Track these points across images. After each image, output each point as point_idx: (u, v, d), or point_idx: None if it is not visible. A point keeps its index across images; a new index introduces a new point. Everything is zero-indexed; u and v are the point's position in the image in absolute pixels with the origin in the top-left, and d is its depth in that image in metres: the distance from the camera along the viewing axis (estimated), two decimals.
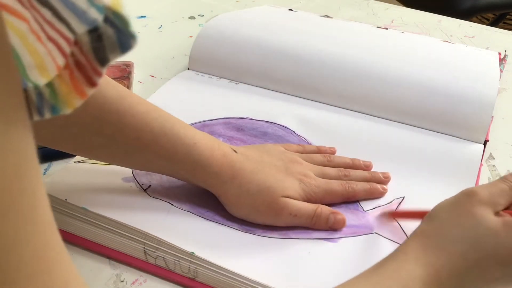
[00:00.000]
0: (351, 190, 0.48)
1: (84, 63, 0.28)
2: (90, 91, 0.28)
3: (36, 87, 0.28)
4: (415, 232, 0.38)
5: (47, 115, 0.29)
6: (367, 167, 0.52)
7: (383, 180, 0.50)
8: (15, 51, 0.25)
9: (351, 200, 0.49)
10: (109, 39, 0.26)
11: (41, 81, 0.27)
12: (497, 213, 0.37)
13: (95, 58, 0.27)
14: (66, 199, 0.45)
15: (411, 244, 0.37)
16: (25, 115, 0.22)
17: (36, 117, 0.29)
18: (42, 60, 0.27)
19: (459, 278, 0.36)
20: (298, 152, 0.51)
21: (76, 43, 0.27)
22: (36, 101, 0.29)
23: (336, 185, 0.48)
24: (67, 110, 0.28)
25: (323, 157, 0.51)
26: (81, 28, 0.25)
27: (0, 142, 0.20)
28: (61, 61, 0.27)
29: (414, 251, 0.37)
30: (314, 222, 0.45)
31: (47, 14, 0.25)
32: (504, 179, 0.39)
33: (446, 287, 0.36)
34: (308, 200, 0.47)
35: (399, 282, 0.35)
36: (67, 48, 0.27)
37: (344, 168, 0.51)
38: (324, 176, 0.49)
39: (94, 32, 0.26)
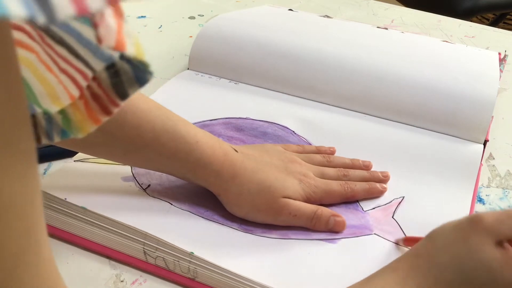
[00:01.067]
0: (350, 190, 0.48)
1: (101, 95, 0.28)
2: (105, 118, 0.29)
3: (46, 113, 0.28)
4: (409, 251, 0.38)
5: (57, 139, 0.29)
6: (366, 167, 0.52)
7: (382, 179, 0.50)
8: (23, 79, 0.25)
9: (350, 200, 0.49)
10: (126, 74, 0.27)
11: (53, 108, 0.27)
12: (500, 244, 0.33)
13: (115, 92, 0.28)
14: (65, 198, 0.45)
15: (401, 262, 0.37)
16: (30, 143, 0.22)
17: (45, 141, 0.29)
18: (53, 89, 0.27)
19: None
20: (298, 152, 0.51)
21: (94, 78, 0.27)
22: (45, 126, 0.29)
23: (335, 185, 0.48)
24: (80, 135, 0.29)
25: (323, 157, 0.51)
26: (98, 66, 0.26)
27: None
28: (75, 92, 0.27)
29: (403, 271, 0.36)
30: (314, 223, 0.45)
31: (63, 51, 0.26)
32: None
33: None
34: (308, 200, 0.47)
35: None
36: (82, 82, 0.27)
37: (343, 168, 0.51)
38: (323, 177, 0.49)
39: (112, 68, 0.27)
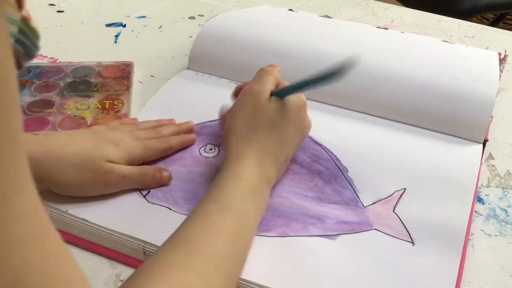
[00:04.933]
0: (166, 143, 0.52)
1: None
2: None
3: None
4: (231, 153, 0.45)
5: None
6: (171, 123, 0.56)
7: (189, 128, 0.56)
8: None
9: (169, 153, 0.52)
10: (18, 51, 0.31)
11: None
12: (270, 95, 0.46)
13: None
14: (67, 210, 0.46)
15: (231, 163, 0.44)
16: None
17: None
18: None
19: (266, 152, 0.45)
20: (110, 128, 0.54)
21: None
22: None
23: (152, 142, 0.51)
24: None
25: (130, 125, 0.54)
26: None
27: None
28: None
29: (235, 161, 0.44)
30: (142, 180, 0.48)
31: None
32: (265, 71, 0.49)
33: (267, 163, 0.45)
34: (130, 161, 0.49)
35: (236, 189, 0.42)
36: None
37: (152, 129, 0.54)
38: (138, 139, 0.51)
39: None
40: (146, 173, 0.49)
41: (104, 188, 0.47)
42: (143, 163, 0.51)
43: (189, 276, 0.35)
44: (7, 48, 0.22)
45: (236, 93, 0.53)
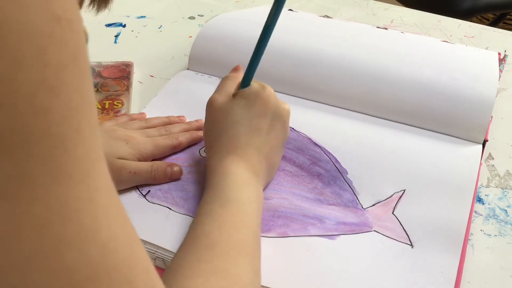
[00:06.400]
0: (176, 140, 0.53)
1: None
2: None
3: None
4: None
5: None
6: (181, 120, 0.57)
7: (199, 126, 0.56)
8: None
9: (178, 149, 0.53)
10: None
11: None
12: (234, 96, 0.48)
13: None
14: None
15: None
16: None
17: None
18: None
19: (251, 145, 0.46)
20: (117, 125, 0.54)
21: None
22: None
23: (161, 139, 0.52)
24: None
25: (140, 122, 0.55)
26: None
27: None
28: None
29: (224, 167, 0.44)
30: (153, 176, 0.49)
31: None
32: (224, 78, 0.51)
33: (249, 156, 0.45)
34: (141, 158, 0.50)
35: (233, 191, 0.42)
36: None
37: (162, 126, 0.55)
38: (148, 137, 0.52)
39: None
40: (157, 169, 0.49)
41: (116, 185, 0.47)
42: (153, 160, 0.51)
43: (218, 263, 0.36)
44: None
45: None
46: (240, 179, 0.44)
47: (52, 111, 0.20)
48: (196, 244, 0.38)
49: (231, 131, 0.46)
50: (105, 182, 0.24)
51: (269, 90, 0.49)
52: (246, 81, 0.48)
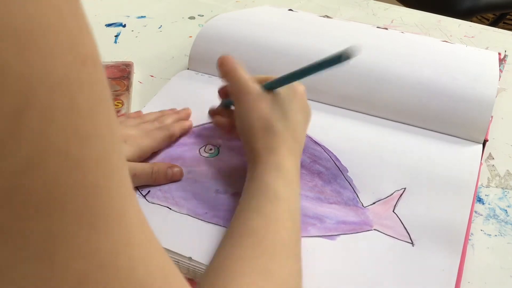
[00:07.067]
0: (168, 132, 0.53)
1: None
2: None
3: None
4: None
5: None
6: (173, 111, 0.58)
7: (187, 114, 0.58)
8: None
9: (173, 139, 0.54)
10: None
11: None
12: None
13: None
14: None
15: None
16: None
17: None
18: None
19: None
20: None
21: None
22: None
23: (156, 132, 0.53)
24: None
25: (134, 118, 0.55)
26: None
27: None
28: None
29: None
30: (154, 178, 0.49)
31: None
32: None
33: (296, 153, 0.46)
34: (142, 153, 0.50)
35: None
36: None
37: (155, 119, 0.55)
38: (144, 131, 0.52)
39: None
40: (158, 171, 0.49)
41: None
42: (153, 154, 0.52)
43: (264, 263, 0.35)
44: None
45: (221, 92, 0.54)
46: (290, 174, 0.43)
47: (85, 160, 0.19)
48: (242, 241, 0.37)
49: (280, 124, 0.46)
50: (137, 215, 0.23)
51: (302, 87, 0.51)
52: (272, 85, 0.48)
